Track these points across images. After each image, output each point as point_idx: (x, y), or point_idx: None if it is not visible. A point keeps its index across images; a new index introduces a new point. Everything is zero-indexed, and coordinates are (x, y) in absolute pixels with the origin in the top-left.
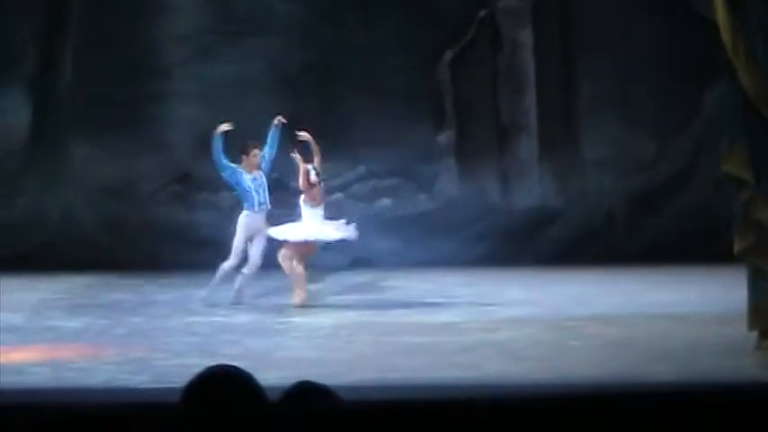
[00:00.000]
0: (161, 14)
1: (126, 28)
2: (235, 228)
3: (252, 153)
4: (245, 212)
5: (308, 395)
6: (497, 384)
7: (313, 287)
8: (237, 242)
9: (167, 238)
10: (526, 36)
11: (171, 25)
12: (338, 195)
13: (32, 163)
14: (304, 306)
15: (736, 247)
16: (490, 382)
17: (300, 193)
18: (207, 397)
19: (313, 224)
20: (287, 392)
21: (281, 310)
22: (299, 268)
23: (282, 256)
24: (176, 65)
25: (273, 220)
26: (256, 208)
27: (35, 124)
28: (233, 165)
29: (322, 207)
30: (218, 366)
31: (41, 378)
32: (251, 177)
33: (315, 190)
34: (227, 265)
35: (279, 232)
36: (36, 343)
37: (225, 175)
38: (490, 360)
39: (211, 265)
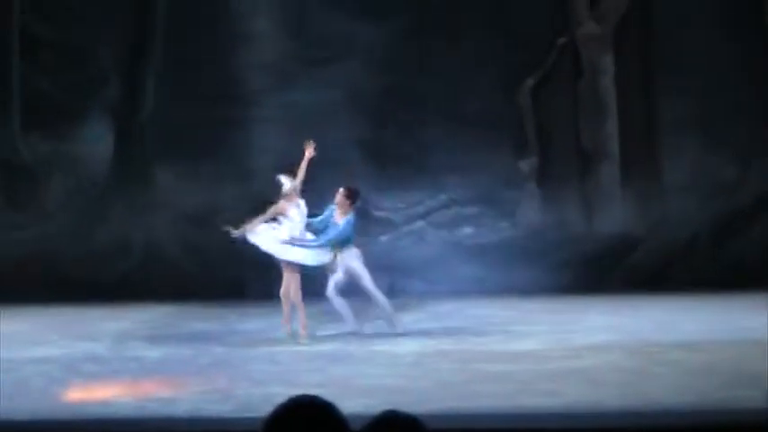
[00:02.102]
0: (243, 42)
1: (208, 55)
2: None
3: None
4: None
5: (394, 424)
6: (580, 412)
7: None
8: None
9: (251, 267)
10: (607, 62)
11: (253, 52)
12: (420, 223)
13: (116, 191)
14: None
15: None
16: (573, 409)
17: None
18: (289, 427)
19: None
20: (374, 421)
21: (364, 337)
22: None
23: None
24: (258, 92)
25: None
26: None
27: (118, 152)
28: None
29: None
30: (300, 396)
31: (126, 409)
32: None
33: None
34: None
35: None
36: (119, 373)
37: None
38: (573, 387)
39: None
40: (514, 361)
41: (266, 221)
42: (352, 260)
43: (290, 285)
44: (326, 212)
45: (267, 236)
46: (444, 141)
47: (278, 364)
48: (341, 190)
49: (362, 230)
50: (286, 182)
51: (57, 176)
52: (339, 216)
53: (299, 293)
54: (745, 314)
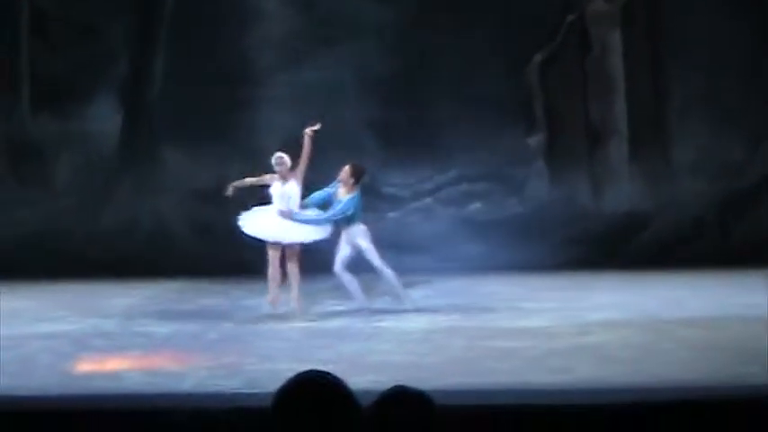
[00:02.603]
0: (251, 21)
1: (217, 34)
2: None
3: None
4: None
5: (403, 400)
6: (589, 388)
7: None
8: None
9: (258, 244)
10: (615, 39)
11: (261, 31)
12: (428, 200)
13: (123, 169)
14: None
15: None
16: (582, 385)
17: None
18: (298, 402)
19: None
20: (382, 397)
21: (373, 314)
22: None
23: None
24: (267, 71)
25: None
26: None
27: (126, 130)
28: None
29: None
30: (309, 372)
31: (134, 383)
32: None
33: None
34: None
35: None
36: (128, 348)
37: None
38: (582, 364)
39: (303, 269)
40: (523, 337)
41: (256, 185)
42: (358, 236)
43: (281, 264)
44: (329, 188)
45: (259, 221)
46: (453, 119)
47: (286, 340)
48: (346, 168)
49: (371, 207)
50: (287, 160)
51: (65, 155)
52: (343, 193)
53: (297, 270)
54: (751, 292)
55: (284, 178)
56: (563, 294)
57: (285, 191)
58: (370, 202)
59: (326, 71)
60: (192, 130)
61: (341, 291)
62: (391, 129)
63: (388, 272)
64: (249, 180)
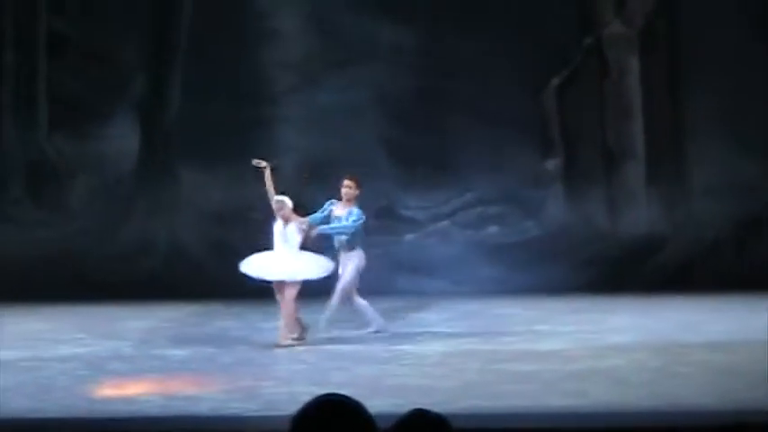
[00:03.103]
0: (269, 41)
1: (234, 54)
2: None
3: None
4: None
5: (422, 423)
6: (605, 412)
7: (419, 315)
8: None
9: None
10: (633, 62)
11: (279, 52)
12: (445, 222)
13: (141, 189)
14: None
15: None
16: (598, 409)
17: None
18: (318, 426)
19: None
20: (401, 420)
21: (390, 337)
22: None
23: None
24: (284, 91)
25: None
26: None
27: (143, 151)
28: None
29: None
30: (328, 395)
31: (151, 406)
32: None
33: None
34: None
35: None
36: (144, 371)
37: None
38: (598, 387)
39: (316, 293)
40: (539, 361)
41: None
42: (351, 261)
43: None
44: (322, 211)
45: (261, 262)
46: (470, 141)
47: (303, 363)
48: (349, 181)
49: (388, 229)
50: (287, 203)
51: (82, 176)
52: (341, 208)
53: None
54: None
55: (285, 220)
56: (579, 317)
57: (286, 232)
58: (387, 224)
59: (344, 92)
60: (208, 150)
61: (358, 314)
62: (408, 151)
63: (337, 300)
64: (269, 181)
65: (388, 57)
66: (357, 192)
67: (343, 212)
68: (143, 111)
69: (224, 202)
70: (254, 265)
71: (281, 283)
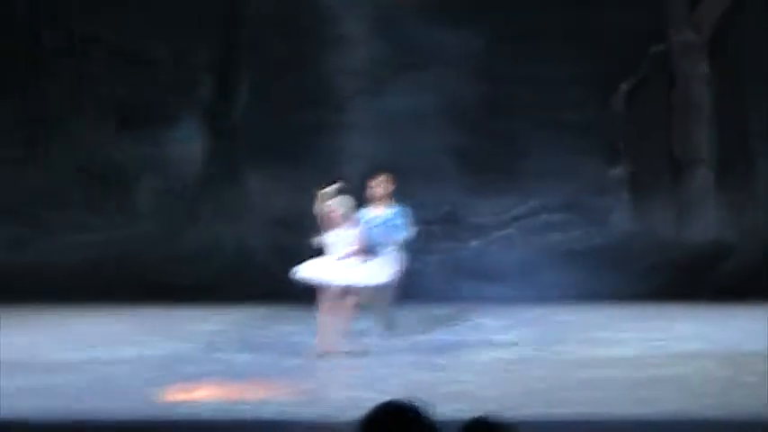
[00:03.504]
0: (336, 46)
1: (301, 59)
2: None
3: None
4: None
5: (486, 430)
6: (670, 420)
7: (482, 321)
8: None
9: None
10: (701, 69)
11: (345, 57)
12: (510, 229)
13: (206, 193)
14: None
15: None
16: (663, 417)
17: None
18: (383, 431)
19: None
20: (465, 427)
21: (452, 343)
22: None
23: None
24: (349, 97)
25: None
26: None
27: (209, 154)
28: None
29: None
30: (394, 401)
31: (216, 409)
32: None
33: None
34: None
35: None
36: (209, 374)
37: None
38: (663, 395)
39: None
40: (604, 368)
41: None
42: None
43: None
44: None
45: (316, 266)
46: (536, 147)
47: (366, 368)
48: (382, 178)
49: (452, 235)
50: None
51: (147, 179)
52: (381, 207)
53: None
54: None
55: (339, 224)
56: (644, 325)
57: (346, 236)
58: (451, 231)
59: (410, 98)
60: (274, 154)
61: (424, 320)
62: (473, 157)
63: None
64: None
65: (454, 62)
66: (391, 188)
67: (382, 212)
68: (209, 114)
69: (289, 206)
70: (309, 269)
71: (343, 289)
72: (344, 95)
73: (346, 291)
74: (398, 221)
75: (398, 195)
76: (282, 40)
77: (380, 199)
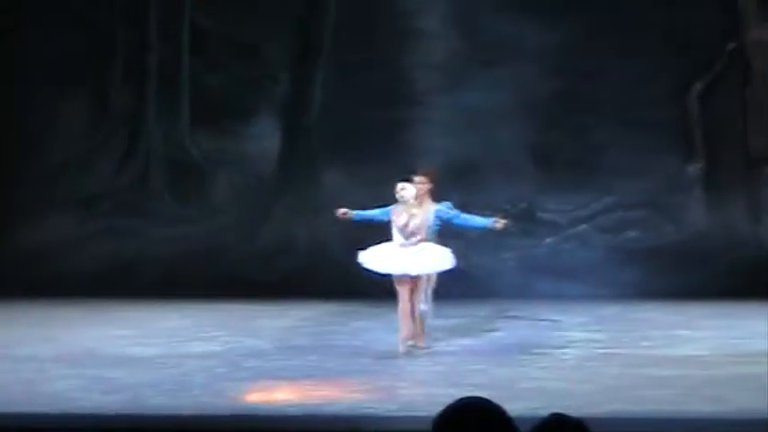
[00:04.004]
0: (413, 41)
1: (378, 54)
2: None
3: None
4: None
5: (562, 427)
6: (746, 419)
7: (558, 318)
8: None
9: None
10: None
11: (423, 52)
12: (584, 226)
13: (282, 189)
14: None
15: None
16: (738, 416)
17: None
18: (458, 428)
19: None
20: (541, 424)
21: (528, 339)
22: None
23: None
24: (427, 92)
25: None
26: None
27: (285, 150)
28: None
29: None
30: (471, 398)
31: (288, 405)
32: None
33: None
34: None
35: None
36: (282, 370)
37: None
38: (739, 394)
39: (459, 294)
40: (678, 366)
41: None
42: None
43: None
44: (381, 212)
45: (383, 256)
46: (612, 145)
47: (440, 364)
48: (424, 176)
49: (527, 232)
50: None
51: (223, 173)
52: (415, 207)
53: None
54: None
55: (409, 206)
56: (719, 323)
57: (414, 224)
58: (527, 227)
59: (487, 93)
60: (350, 150)
61: (500, 317)
62: (549, 153)
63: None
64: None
65: (531, 58)
66: (431, 186)
67: (422, 211)
68: (285, 110)
69: (365, 202)
70: (377, 259)
71: (405, 276)
72: (421, 91)
73: (414, 280)
74: (454, 214)
75: (476, 191)
76: (360, 34)
77: (423, 196)
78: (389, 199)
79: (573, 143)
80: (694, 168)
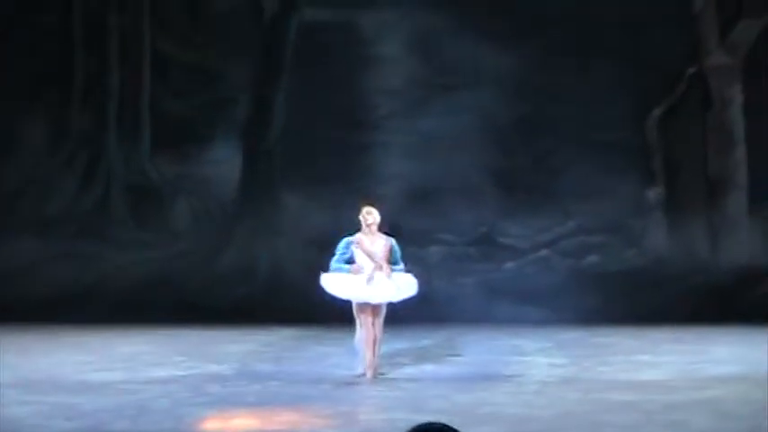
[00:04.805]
0: (373, 66)
1: (338, 79)
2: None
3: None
4: None
5: None
6: None
7: (518, 343)
8: None
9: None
10: (736, 91)
11: (382, 77)
12: (546, 251)
13: (242, 213)
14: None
15: None
16: None
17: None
18: None
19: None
20: None
21: (489, 364)
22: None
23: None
24: (387, 117)
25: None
26: None
27: (246, 175)
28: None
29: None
30: (429, 423)
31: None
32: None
33: None
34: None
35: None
36: (243, 396)
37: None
38: (699, 418)
39: (419, 319)
40: (639, 391)
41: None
42: None
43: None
44: (344, 248)
45: (346, 282)
46: (572, 168)
47: (401, 389)
48: (369, 208)
49: (488, 257)
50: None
51: (183, 198)
52: (369, 242)
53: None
54: None
55: (373, 234)
56: (680, 347)
57: (375, 251)
58: (487, 252)
59: (446, 118)
60: (310, 174)
61: (459, 341)
62: (510, 177)
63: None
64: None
65: (490, 82)
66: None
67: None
68: (246, 134)
69: (325, 226)
70: (339, 284)
71: (378, 307)
72: (381, 116)
73: (376, 308)
74: (398, 260)
75: (436, 215)
76: (319, 59)
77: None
78: (349, 221)
79: (533, 167)
80: (654, 192)
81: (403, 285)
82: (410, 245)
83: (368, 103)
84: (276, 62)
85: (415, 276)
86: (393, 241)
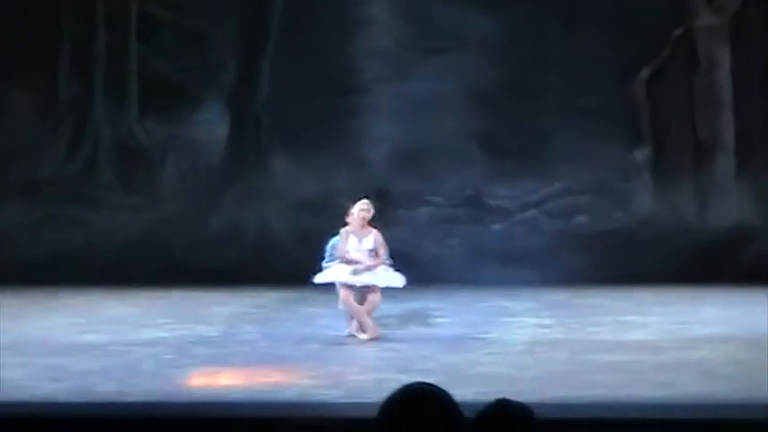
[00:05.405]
0: (360, 30)
1: (324, 42)
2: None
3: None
4: None
5: (506, 412)
6: (693, 403)
7: (505, 304)
8: None
9: None
10: (723, 53)
11: (369, 41)
12: (533, 212)
13: (230, 177)
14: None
15: None
16: (685, 400)
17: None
18: (404, 413)
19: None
20: (485, 409)
21: (476, 326)
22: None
23: None
24: (373, 80)
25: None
26: None
27: (233, 138)
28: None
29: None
30: (416, 383)
31: (236, 392)
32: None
33: None
34: None
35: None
36: (230, 357)
37: None
38: (686, 378)
39: (407, 280)
40: (627, 351)
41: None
42: None
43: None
44: (333, 249)
45: (332, 271)
46: (559, 131)
47: (389, 350)
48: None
49: (475, 219)
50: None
51: (172, 160)
52: (360, 237)
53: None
54: None
55: (364, 228)
56: (667, 309)
57: (363, 244)
58: (474, 214)
59: (433, 82)
60: (298, 138)
61: (446, 302)
62: (497, 140)
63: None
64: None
65: (477, 46)
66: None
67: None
68: (233, 98)
69: (313, 190)
70: (326, 274)
71: (366, 289)
72: (368, 79)
73: (375, 290)
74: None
75: (423, 179)
76: (307, 22)
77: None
78: (337, 186)
79: (520, 130)
80: (642, 154)
81: (390, 276)
82: (398, 207)
83: (354, 66)
84: (263, 24)
85: (403, 239)
86: (380, 235)
